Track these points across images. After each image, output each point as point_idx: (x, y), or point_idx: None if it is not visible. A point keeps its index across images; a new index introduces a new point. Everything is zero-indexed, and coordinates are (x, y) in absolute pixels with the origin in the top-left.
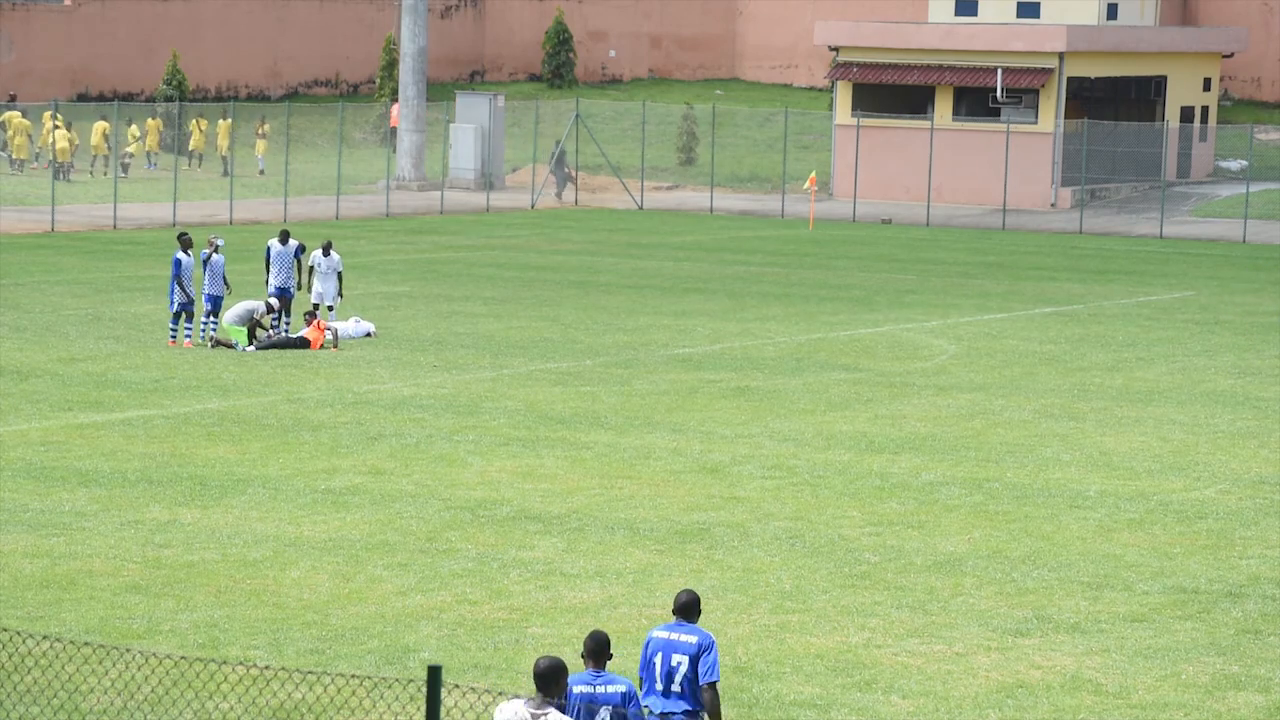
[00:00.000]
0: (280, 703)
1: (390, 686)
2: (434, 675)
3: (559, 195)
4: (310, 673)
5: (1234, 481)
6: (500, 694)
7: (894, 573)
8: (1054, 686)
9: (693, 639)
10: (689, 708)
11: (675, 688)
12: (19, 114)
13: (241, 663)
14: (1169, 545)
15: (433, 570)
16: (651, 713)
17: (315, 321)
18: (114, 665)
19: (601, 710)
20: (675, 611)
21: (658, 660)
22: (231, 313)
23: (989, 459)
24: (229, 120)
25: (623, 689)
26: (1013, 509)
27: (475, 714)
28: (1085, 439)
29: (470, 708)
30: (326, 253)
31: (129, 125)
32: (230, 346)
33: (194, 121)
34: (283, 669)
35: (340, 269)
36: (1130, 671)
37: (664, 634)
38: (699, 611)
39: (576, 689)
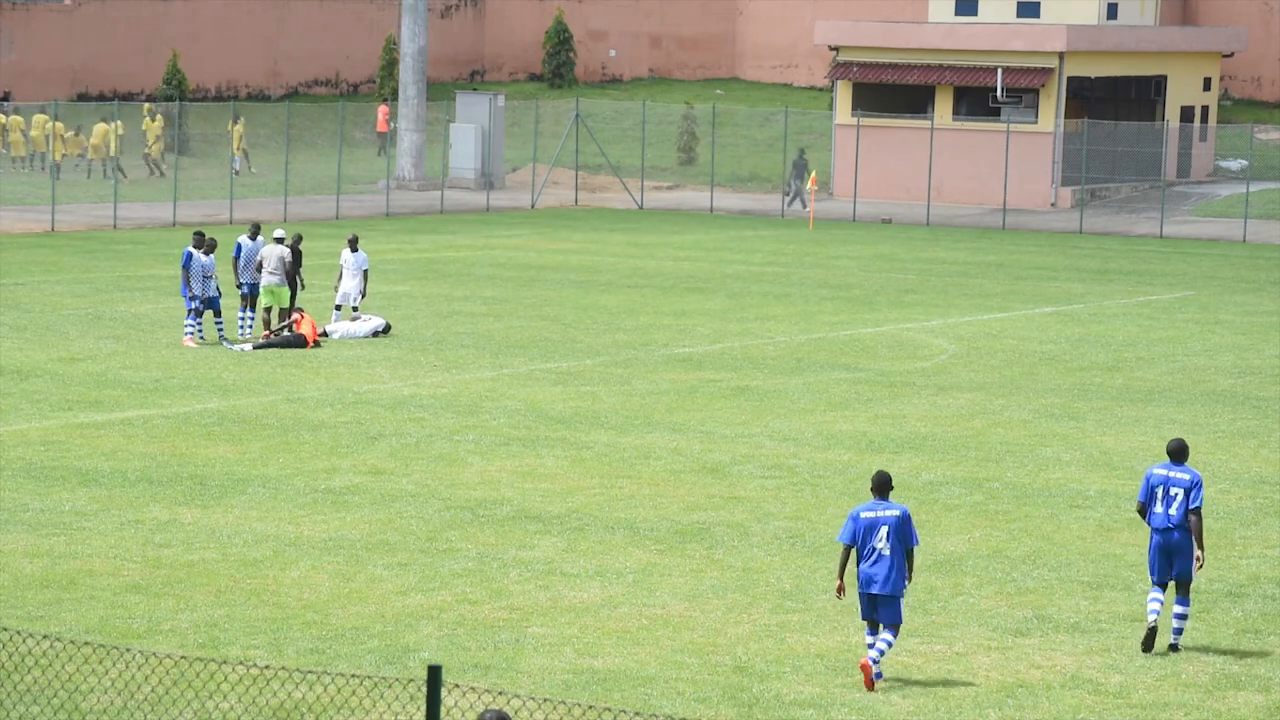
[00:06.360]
0: (280, 703)
1: (390, 686)
2: (434, 675)
3: (804, 204)
4: (310, 673)
5: (1234, 481)
6: (500, 694)
7: None
8: (1054, 686)
9: (1186, 476)
10: (1183, 523)
11: (1173, 511)
12: (18, 114)
13: (241, 663)
14: None
15: (433, 570)
16: (1156, 529)
17: (300, 316)
18: (114, 665)
19: (880, 529)
20: (1170, 454)
21: (1159, 491)
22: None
23: (989, 459)
24: (157, 121)
25: (898, 513)
26: (1013, 509)
27: (475, 714)
28: (1085, 439)
29: (470, 707)
30: (354, 248)
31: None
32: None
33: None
34: (283, 669)
35: (366, 266)
36: (1130, 671)
37: (1162, 471)
38: (1188, 455)
39: (862, 514)
